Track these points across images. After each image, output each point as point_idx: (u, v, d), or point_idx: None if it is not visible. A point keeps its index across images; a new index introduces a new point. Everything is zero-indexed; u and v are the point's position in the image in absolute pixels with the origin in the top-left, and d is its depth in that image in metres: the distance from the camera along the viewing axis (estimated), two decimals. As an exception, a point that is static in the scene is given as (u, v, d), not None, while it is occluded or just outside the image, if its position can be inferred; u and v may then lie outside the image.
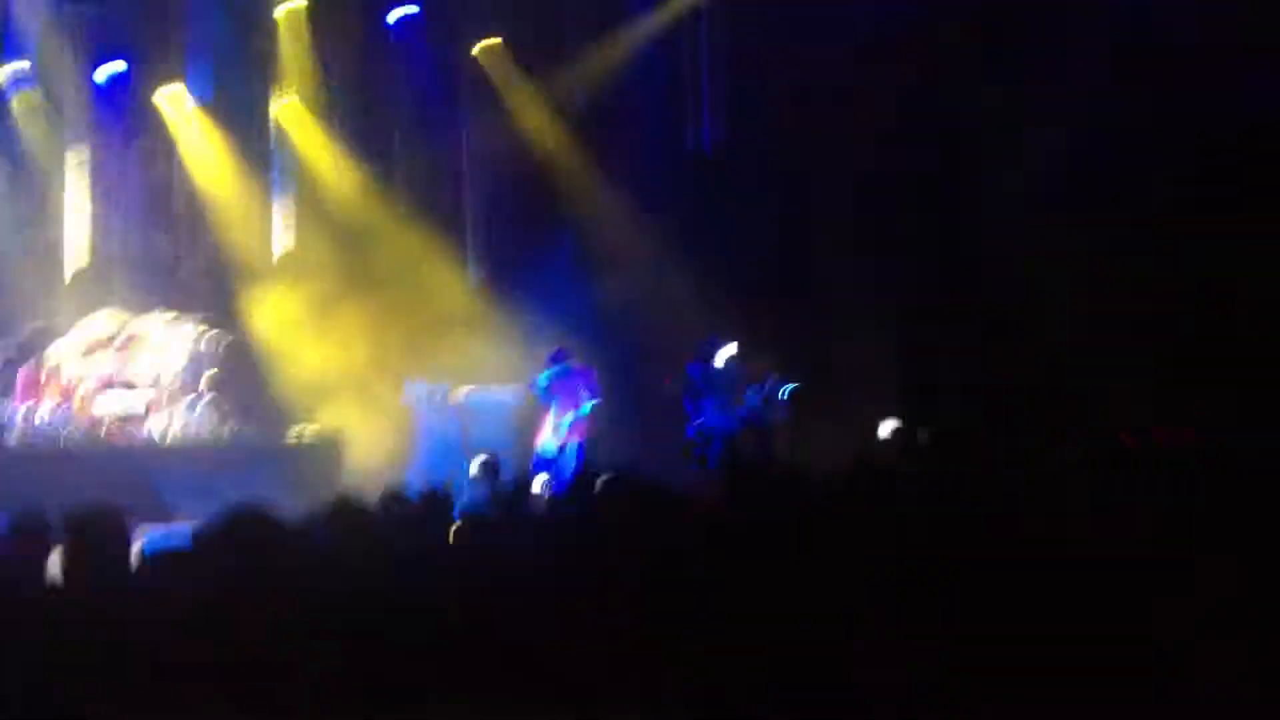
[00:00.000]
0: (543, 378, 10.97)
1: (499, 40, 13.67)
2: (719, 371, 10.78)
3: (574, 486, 5.81)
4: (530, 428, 12.45)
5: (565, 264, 12.77)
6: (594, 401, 11.07)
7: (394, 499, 6.27)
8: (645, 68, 12.82)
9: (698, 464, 10.45)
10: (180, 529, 9.28)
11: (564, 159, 13.19)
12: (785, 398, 10.73)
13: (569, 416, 10.91)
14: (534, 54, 13.43)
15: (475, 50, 13.64)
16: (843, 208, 11.87)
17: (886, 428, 8.62)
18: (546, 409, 10.92)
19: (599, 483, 5.02)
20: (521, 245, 13.16)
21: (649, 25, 12.92)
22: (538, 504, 7.12)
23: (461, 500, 6.42)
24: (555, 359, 10.99)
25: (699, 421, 10.78)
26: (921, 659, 3.21)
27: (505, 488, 6.90)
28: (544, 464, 10.72)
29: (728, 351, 10.84)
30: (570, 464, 10.75)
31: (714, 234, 12.00)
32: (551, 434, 10.86)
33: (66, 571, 3.92)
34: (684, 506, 5.08)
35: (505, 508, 6.67)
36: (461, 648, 3.46)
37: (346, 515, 5.31)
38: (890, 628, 3.37)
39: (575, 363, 11.05)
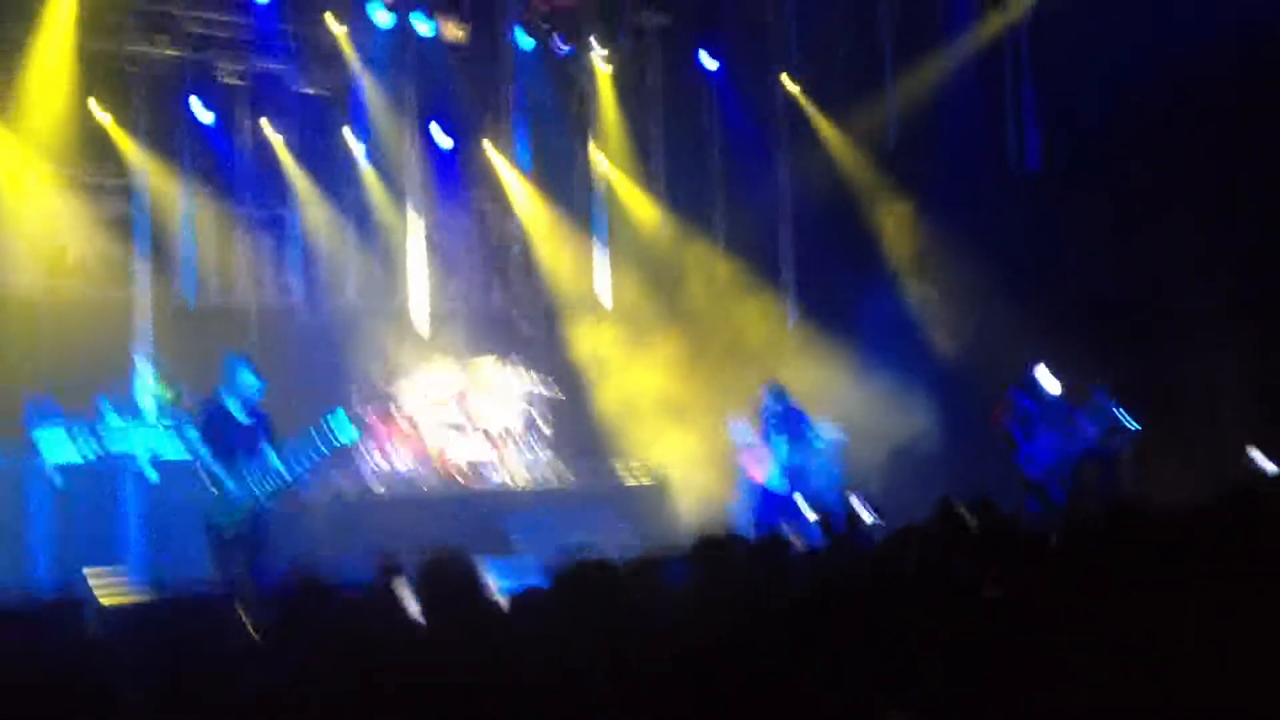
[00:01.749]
0: (766, 411, 10.65)
1: (801, 79, 13.71)
2: (1050, 400, 10.28)
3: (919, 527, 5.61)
4: (854, 467, 12.34)
5: (885, 298, 12.58)
6: (821, 439, 10.89)
7: (736, 540, 6.32)
8: (960, 92, 12.50)
9: (1037, 499, 9.99)
10: (525, 563, 9.72)
11: (881, 191, 13.02)
12: (1126, 428, 10.13)
13: (797, 453, 10.58)
14: (844, 86, 13.35)
15: (789, 86, 13.72)
16: (1182, 224, 11.16)
17: (1257, 457, 7.97)
18: (766, 443, 10.55)
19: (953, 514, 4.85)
20: (839, 281, 13.05)
21: (962, 49, 12.62)
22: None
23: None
24: (776, 393, 10.70)
25: (1030, 453, 10.29)
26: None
27: (839, 526, 6.82)
28: (775, 499, 10.42)
29: (1046, 376, 10.32)
30: (799, 500, 10.47)
31: (1043, 257, 11.53)
32: (778, 469, 10.52)
33: (427, 611, 4.11)
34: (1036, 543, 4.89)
35: (838, 546, 6.61)
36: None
37: (710, 555, 5.37)
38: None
39: (791, 400, 10.74)
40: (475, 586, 4.44)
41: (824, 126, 13.54)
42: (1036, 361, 10.39)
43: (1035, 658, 3.49)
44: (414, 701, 3.36)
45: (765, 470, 10.52)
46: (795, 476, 10.47)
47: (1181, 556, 4.44)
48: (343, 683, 3.88)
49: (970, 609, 4.11)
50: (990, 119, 12.23)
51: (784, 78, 13.75)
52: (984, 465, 10.83)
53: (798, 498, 10.47)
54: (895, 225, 12.87)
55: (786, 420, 10.53)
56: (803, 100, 13.72)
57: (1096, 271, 11.19)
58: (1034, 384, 10.29)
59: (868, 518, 6.94)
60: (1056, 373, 10.33)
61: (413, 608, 5.26)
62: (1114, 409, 10.07)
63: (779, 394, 10.60)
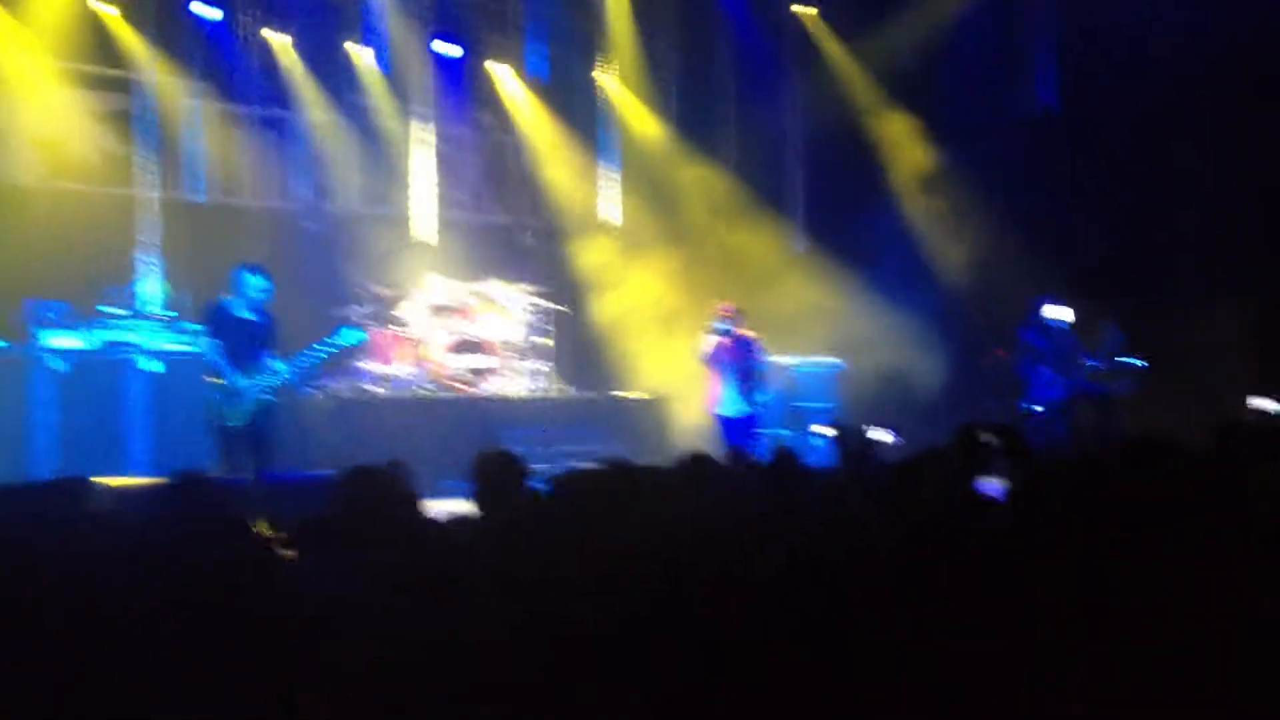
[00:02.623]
0: (719, 333, 10.42)
1: (815, 9, 13.59)
2: (1055, 336, 10.33)
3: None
4: (853, 398, 12.43)
5: (893, 229, 12.58)
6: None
7: (743, 457, 6.37)
8: (973, 29, 12.41)
9: (1039, 435, 10.07)
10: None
11: (890, 124, 12.97)
12: (1130, 368, 10.21)
13: (752, 378, 10.42)
14: (856, 17, 13.25)
15: (803, 11, 13.59)
16: (1189, 171, 11.17)
17: (1257, 403, 8.05)
18: (720, 367, 10.36)
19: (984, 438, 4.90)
20: (845, 212, 13.04)
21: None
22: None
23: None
24: (726, 314, 10.45)
25: (1034, 387, 10.38)
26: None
27: (855, 450, 6.88)
28: (735, 424, 10.32)
29: (1063, 313, 10.37)
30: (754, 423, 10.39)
31: (1048, 199, 11.54)
32: (735, 394, 10.36)
33: (482, 505, 4.19)
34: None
35: (855, 469, 6.68)
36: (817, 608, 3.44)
37: (702, 471, 5.44)
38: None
39: (744, 327, 10.52)
40: (520, 481, 4.53)
41: (836, 53, 13.44)
42: (1045, 296, 10.43)
43: (1058, 587, 3.53)
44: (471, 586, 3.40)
45: (718, 395, 10.42)
46: (747, 404, 10.35)
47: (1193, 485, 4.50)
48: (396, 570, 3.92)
49: (993, 528, 4.15)
50: (1008, 53, 12.17)
51: (796, 4, 13.62)
52: (985, 397, 10.94)
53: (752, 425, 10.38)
54: (906, 153, 12.84)
55: (734, 349, 10.38)
56: (816, 25, 13.60)
57: (1106, 213, 11.21)
58: (1041, 318, 10.34)
59: (886, 437, 6.89)
60: (1057, 304, 10.37)
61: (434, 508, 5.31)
62: (1120, 348, 10.13)
63: (729, 320, 10.41)
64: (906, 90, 12.86)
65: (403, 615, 3.03)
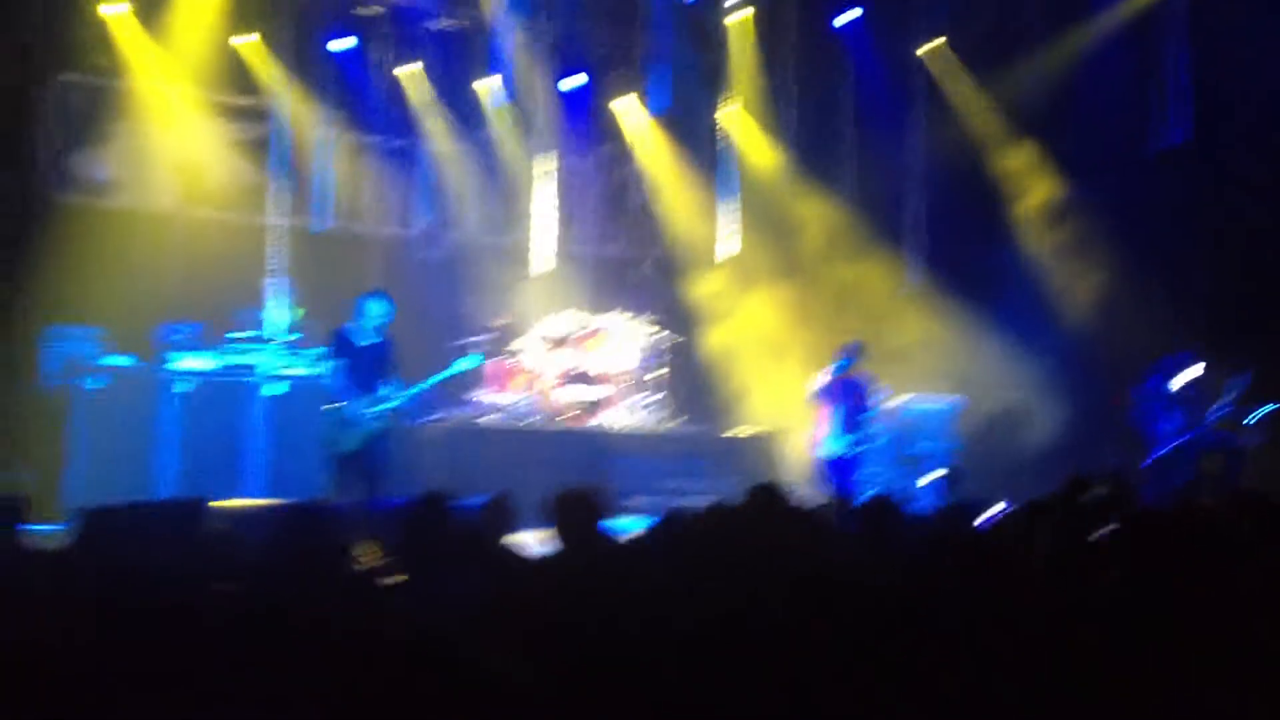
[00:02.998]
0: (836, 370, 10.14)
1: (944, 41, 13.43)
2: (1184, 386, 10.00)
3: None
4: (970, 440, 12.21)
5: (1012, 268, 12.35)
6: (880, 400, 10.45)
7: (845, 500, 6.30)
8: (1103, 65, 12.14)
9: (1158, 486, 9.76)
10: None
11: (1015, 161, 12.75)
12: (1260, 419, 9.84)
13: (860, 418, 10.12)
14: (983, 53, 13.07)
15: (921, 51, 13.45)
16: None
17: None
18: (829, 405, 10.08)
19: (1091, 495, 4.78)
20: (966, 246, 12.84)
21: (1108, 21, 12.25)
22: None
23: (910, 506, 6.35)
24: (848, 354, 10.20)
25: (1156, 436, 10.07)
26: None
27: (964, 500, 6.73)
28: (839, 465, 10.03)
29: (1194, 370, 10.01)
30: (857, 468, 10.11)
31: (1179, 238, 11.20)
32: (841, 434, 10.05)
33: (565, 541, 4.21)
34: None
35: (957, 521, 6.54)
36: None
37: (775, 504, 5.38)
38: None
39: (861, 366, 10.23)
40: (600, 522, 4.54)
41: (964, 91, 13.26)
42: (1175, 344, 10.12)
43: (1160, 650, 3.42)
44: (539, 624, 3.42)
45: (823, 435, 10.15)
46: (853, 446, 10.10)
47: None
48: (469, 602, 3.98)
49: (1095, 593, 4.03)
50: (1137, 91, 11.87)
51: (924, 40, 13.48)
52: (1103, 444, 10.64)
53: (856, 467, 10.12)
54: (1031, 188, 12.60)
55: (845, 388, 10.11)
56: (943, 63, 13.45)
57: (1240, 253, 10.83)
58: (1170, 365, 10.02)
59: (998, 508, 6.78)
60: (1194, 356, 10.05)
61: (529, 540, 5.36)
62: (1250, 399, 9.77)
63: (846, 359, 10.16)
64: (1034, 125, 12.62)
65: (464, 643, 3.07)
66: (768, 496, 5.39)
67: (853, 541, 5.19)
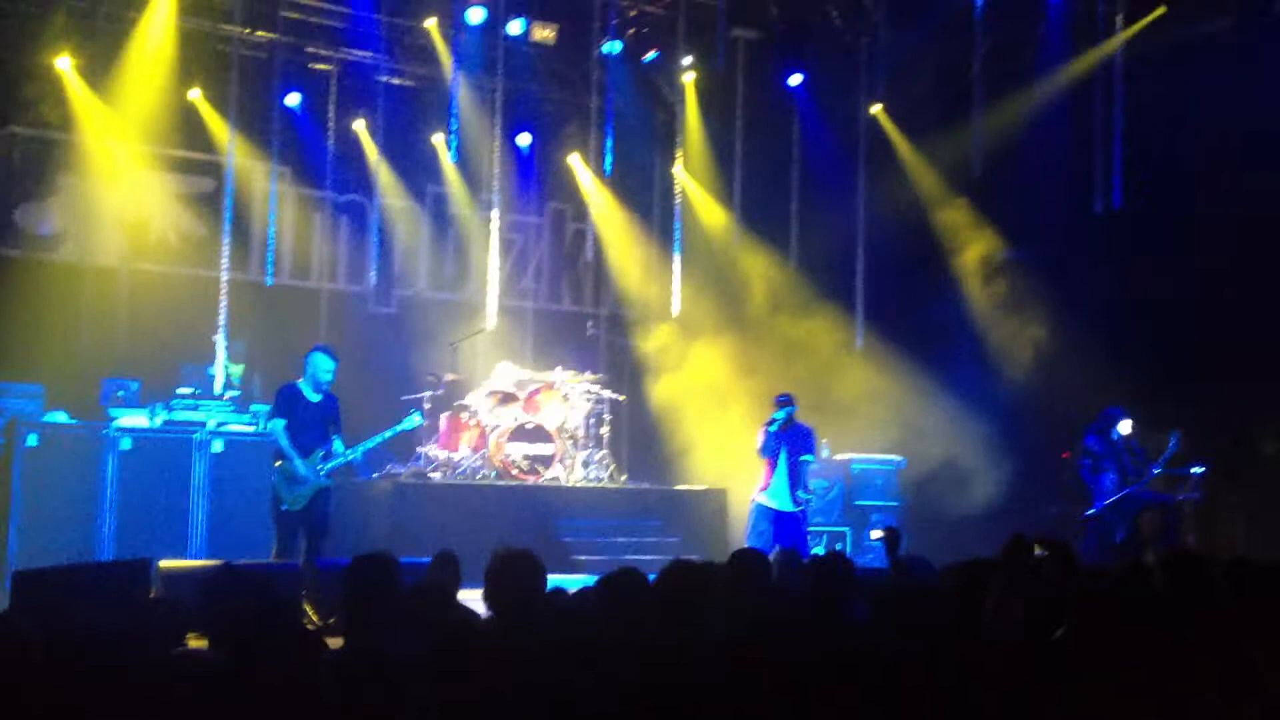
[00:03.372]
0: (777, 423, 10.10)
1: (885, 104, 13.68)
2: (1119, 442, 10.19)
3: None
4: (914, 497, 12.32)
5: (955, 327, 12.52)
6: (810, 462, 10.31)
7: (791, 557, 6.34)
8: (1047, 127, 12.39)
9: (1097, 540, 9.91)
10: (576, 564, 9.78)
11: (956, 219, 12.97)
12: (1197, 476, 10.03)
13: (803, 470, 10.12)
14: (925, 115, 13.30)
15: (873, 110, 13.69)
16: (1264, 270, 10.99)
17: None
18: (772, 458, 10.07)
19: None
20: (911, 305, 13.02)
21: (1052, 85, 12.51)
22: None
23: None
24: (783, 403, 10.17)
25: (1095, 492, 10.23)
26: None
27: (903, 558, 6.81)
28: (786, 520, 9.98)
29: (1124, 425, 10.22)
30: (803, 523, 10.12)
31: (1122, 295, 11.42)
32: (787, 487, 10.03)
33: (492, 604, 4.22)
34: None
35: (903, 577, 6.61)
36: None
37: (744, 568, 5.43)
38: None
39: (796, 416, 10.22)
40: (536, 585, 4.53)
41: (906, 153, 13.49)
42: (1111, 402, 10.31)
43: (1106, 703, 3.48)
44: (477, 686, 3.43)
45: (767, 486, 10.12)
46: (800, 499, 10.09)
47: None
48: (409, 664, 3.97)
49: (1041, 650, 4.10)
50: (1076, 155, 12.12)
51: (869, 102, 13.72)
52: (1047, 500, 10.77)
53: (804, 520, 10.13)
54: (971, 249, 12.81)
55: (787, 439, 10.10)
56: (887, 125, 13.69)
57: (1176, 312, 11.06)
58: (1106, 423, 10.20)
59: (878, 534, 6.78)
60: (1130, 414, 10.24)
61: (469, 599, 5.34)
62: (1182, 458, 9.96)
63: (784, 409, 10.13)
64: (973, 187, 12.86)
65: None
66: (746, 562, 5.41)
67: (796, 598, 5.24)
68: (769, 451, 10.13)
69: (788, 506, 10.09)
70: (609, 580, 4.40)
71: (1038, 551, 5.52)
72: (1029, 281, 12.06)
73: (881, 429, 12.55)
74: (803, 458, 10.16)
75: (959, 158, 12.89)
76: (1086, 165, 12.01)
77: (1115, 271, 11.48)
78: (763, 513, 10.10)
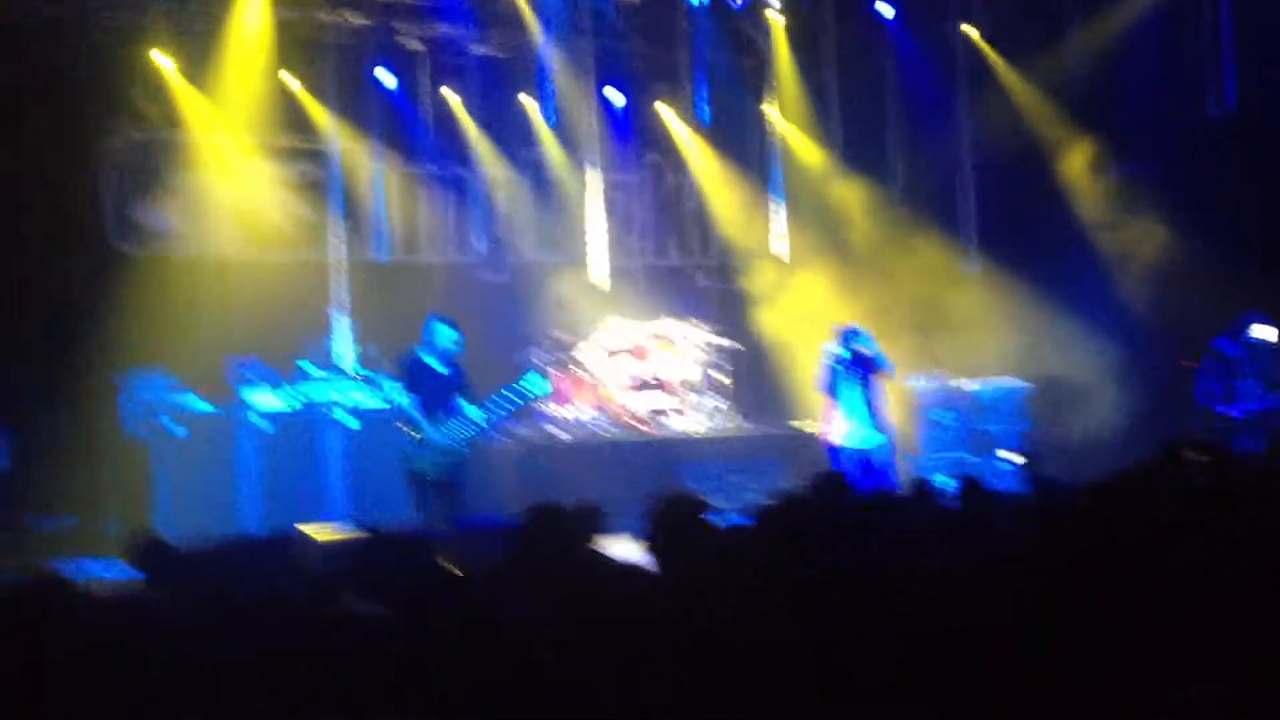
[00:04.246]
0: (844, 354, 9.57)
1: (979, 26, 13.41)
2: (1255, 348, 9.87)
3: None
4: (1038, 420, 12.15)
5: (1071, 247, 12.29)
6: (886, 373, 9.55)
7: (925, 489, 6.32)
8: (1149, 34, 12.06)
9: (1235, 447, 9.65)
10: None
11: (1068, 138, 12.69)
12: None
13: (877, 403, 9.52)
14: (1025, 33, 13.03)
15: (967, 32, 13.44)
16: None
17: None
18: (830, 394, 9.53)
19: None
20: (1020, 228, 12.80)
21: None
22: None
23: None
24: (849, 337, 9.65)
25: (1234, 403, 9.93)
26: None
27: (1045, 483, 6.73)
28: (862, 456, 9.43)
29: (1267, 331, 9.86)
30: (886, 457, 9.49)
31: (1241, 203, 11.10)
32: (864, 422, 9.47)
33: (657, 549, 4.28)
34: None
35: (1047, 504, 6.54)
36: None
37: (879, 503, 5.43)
38: None
39: (870, 345, 9.61)
40: (705, 525, 4.60)
41: (1005, 74, 13.23)
42: (1246, 310, 10.01)
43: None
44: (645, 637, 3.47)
45: (835, 425, 9.57)
46: (879, 432, 9.51)
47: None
48: (571, 615, 4.05)
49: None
50: (1182, 61, 11.78)
51: (963, 25, 13.48)
52: (1172, 421, 10.55)
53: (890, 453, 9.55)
54: (1083, 166, 12.55)
55: (857, 367, 9.49)
56: (983, 47, 13.43)
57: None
58: (1241, 330, 9.89)
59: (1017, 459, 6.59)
60: (1262, 318, 9.92)
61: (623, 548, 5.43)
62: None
63: (849, 338, 9.60)
64: (1080, 103, 12.57)
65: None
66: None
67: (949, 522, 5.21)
68: (831, 389, 9.58)
69: (863, 442, 9.55)
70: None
71: (1190, 456, 5.39)
72: (1144, 193, 11.78)
73: (1000, 353, 12.40)
74: (876, 388, 9.52)
75: (1059, 73, 12.62)
76: (1196, 69, 11.67)
77: (1232, 175, 11.16)
78: (842, 455, 9.54)
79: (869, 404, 9.56)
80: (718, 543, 4.25)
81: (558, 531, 4.54)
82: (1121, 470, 4.69)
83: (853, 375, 9.56)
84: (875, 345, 9.73)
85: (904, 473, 9.89)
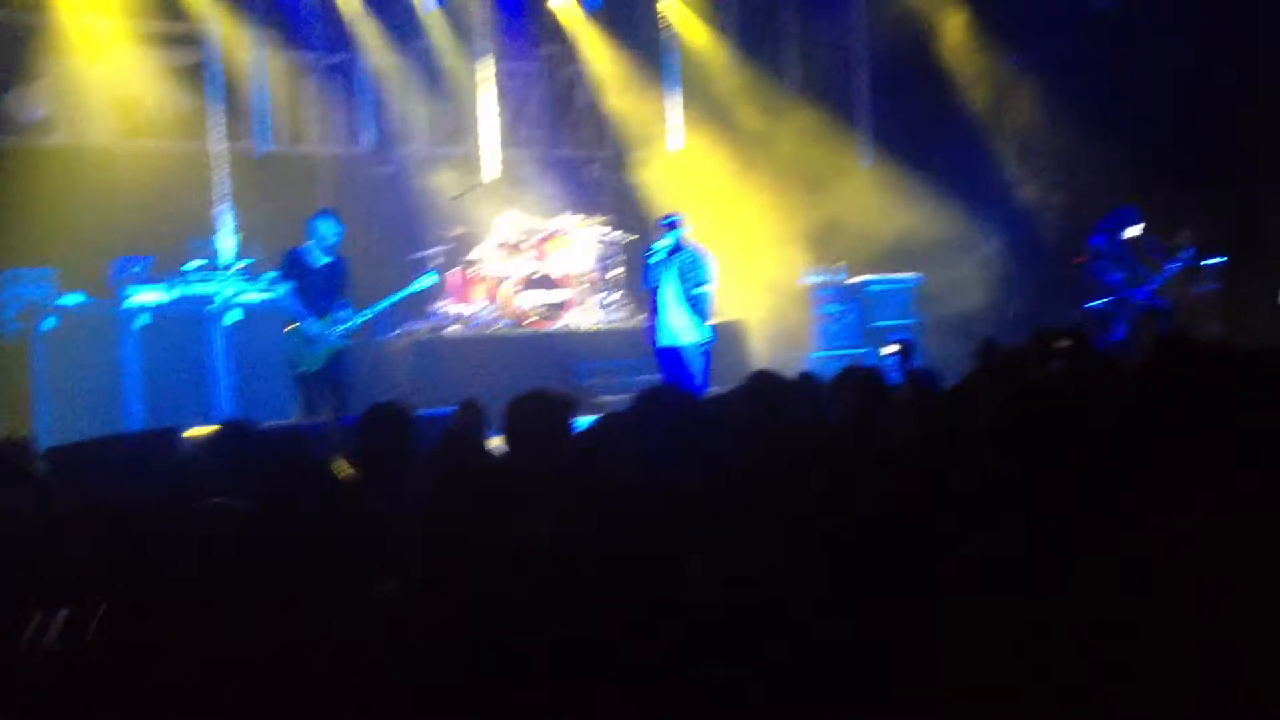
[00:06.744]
0: (660, 250, 9.08)
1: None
2: (1129, 243, 10.10)
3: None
4: (931, 313, 12.32)
5: (962, 140, 12.38)
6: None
7: (808, 377, 6.37)
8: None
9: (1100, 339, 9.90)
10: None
11: (957, 31, 12.70)
12: (1215, 268, 9.97)
13: (699, 296, 9.03)
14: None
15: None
16: (1269, 58, 10.78)
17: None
18: (656, 286, 9.08)
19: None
20: (915, 124, 12.83)
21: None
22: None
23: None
24: (668, 226, 9.10)
25: (1101, 296, 10.17)
26: None
27: (918, 370, 6.84)
28: (673, 355, 9.06)
29: (1135, 229, 10.07)
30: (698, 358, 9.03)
31: (1125, 98, 11.23)
32: (684, 318, 9.03)
33: (512, 443, 4.26)
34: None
35: (918, 389, 6.64)
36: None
37: (766, 389, 5.46)
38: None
39: (690, 236, 9.16)
40: (558, 423, 4.57)
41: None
42: (1121, 203, 10.20)
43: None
44: (500, 527, 3.46)
45: (668, 322, 9.09)
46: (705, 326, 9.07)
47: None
48: (432, 506, 4.03)
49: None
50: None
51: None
52: (1065, 307, 10.76)
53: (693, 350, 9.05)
54: (975, 58, 12.58)
55: (682, 264, 9.01)
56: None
57: (1178, 113, 10.87)
58: (1116, 223, 10.09)
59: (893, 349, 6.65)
60: (1143, 215, 10.12)
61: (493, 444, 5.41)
62: (1193, 254, 9.89)
63: (671, 231, 9.06)
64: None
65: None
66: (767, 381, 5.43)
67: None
68: (651, 282, 9.14)
69: (694, 339, 9.09)
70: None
71: (1058, 343, 5.55)
72: (1035, 86, 11.87)
73: (895, 247, 12.51)
74: (694, 290, 9.05)
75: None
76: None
77: (1118, 67, 11.27)
78: (671, 354, 9.11)
79: (690, 298, 9.11)
80: (574, 444, 4.24)
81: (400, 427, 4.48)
82: (990, 352, 4.78)
83: (671, 267, 9.11)
84: (690, 233, 9.28)
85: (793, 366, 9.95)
